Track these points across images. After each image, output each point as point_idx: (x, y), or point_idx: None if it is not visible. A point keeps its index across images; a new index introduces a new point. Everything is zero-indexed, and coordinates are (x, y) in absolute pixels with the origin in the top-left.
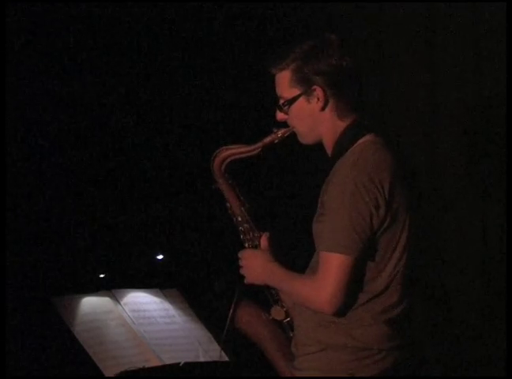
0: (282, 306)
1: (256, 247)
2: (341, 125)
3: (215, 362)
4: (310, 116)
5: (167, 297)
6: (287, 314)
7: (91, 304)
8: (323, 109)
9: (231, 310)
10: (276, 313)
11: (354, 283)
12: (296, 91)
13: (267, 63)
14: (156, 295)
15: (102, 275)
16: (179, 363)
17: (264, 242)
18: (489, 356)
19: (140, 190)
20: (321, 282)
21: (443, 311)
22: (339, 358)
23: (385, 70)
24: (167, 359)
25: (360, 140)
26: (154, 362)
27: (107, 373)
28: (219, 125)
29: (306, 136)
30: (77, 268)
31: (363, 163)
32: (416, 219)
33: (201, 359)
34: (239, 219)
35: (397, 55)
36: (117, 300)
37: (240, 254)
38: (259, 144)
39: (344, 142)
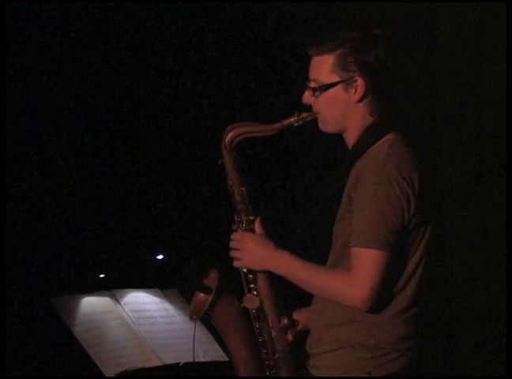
0: (257, 295)
1: (251, 231)
2: (369, 119)
3: (215, 362)
4: (342, 105)
5: (167, 297)
6: (261, 303)
7: (91, 304)
8: (359, 101)
9: (212, 296)
10: (251, 301)
11: (388, 279)
12: (336, 78)
13: (308, 43)
14: (156, 295)
15: (102, 275)
16: (179, 363)
17: (258, 227)
18: (489, 356)
19: (140, 190)
20: (357, 278)
21: (444, 311)
22: (357, 356)
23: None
24: (167, 359)
25: (385, 138)
26: (154, 362)
27: (107, 373)
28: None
29: (331, 124)
30: (77, 268)
31: (393, 159)
32: (437, 219)
33: (201, 359)
34: (238, 198)
35: (397, 57)
36: (117, 300)
37: (236, 236)
38: (278, 125)
39: (369, 138)
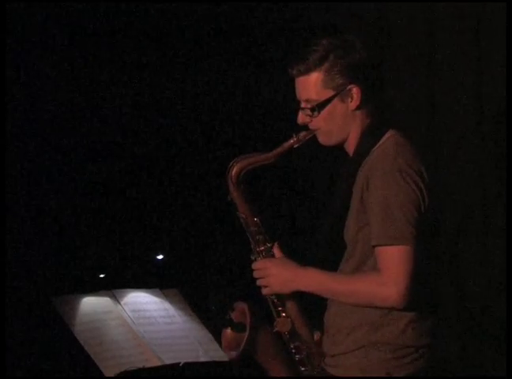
0: (287, 317)
1: (271, 257)
2: (367, 122)
3: (215, 362)
4: (341, 116)
5: (167, 297)
6: (293, 326)
7: (91, 304)
8: (358, 107)
9: (248, 333)
10: (282, 324)
11: (417, 272)
12: (330, 92)
13: (290, 66)
14: (156, 295)
15: (102, 275)
16: (179, 363)
17: (277, 251)
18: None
19: (140, 190)
20: (390, 277)
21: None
22: (376, 356)
23: (385, 73)
24: (167, 359)
25: (386, 136)
26: (154, 362)
27: (107, 373)
28: (222, 128)
29: (333, 137)
30: (77, 268)
31: (401, 153)
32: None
33: (201, 359)
34: (253, 229)
35: (397, 57)
36: (117, 300)
37: (259, 265)
38: (278, 150)
39: (370, 139)
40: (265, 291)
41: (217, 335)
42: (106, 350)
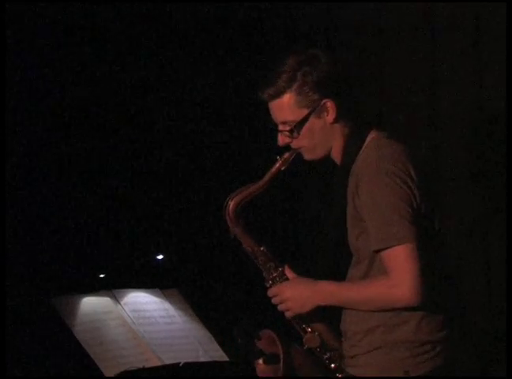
0: (313, 331)
1: (285, 281)
2: (348, 129)
3: (215, 362)
4: (321, 131)
5: (167, 297)
6: (321, 338)
7: (91, 304)
8: (336, 120)
9: (283, 365)
10: (311, 340)
11: (425, 267)
12: (305, 111)
13: (261, 91)
14: (156, 295)
15: (102, 275)
16: (179, 363)
17: (289, 272)
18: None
19: (140, 190)
20: (398, 278)
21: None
22: (394, 355)
23: (385, 74)
24: (167, 359)
25: (368, 138)
26: (154, 362)
27: (107, 373)
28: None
29: (317, 152)
30: (77, 268)
31: (385, 155)
32: (440, 207)
33: (201, 359)
34: (262, 259)
35: (397, 59)
36: (117, 300)
37: (275, 291)
38: (268, 176)
39: (354, 145)
40: (287, 315)
41: (249, 366)
42: (106, 350)
